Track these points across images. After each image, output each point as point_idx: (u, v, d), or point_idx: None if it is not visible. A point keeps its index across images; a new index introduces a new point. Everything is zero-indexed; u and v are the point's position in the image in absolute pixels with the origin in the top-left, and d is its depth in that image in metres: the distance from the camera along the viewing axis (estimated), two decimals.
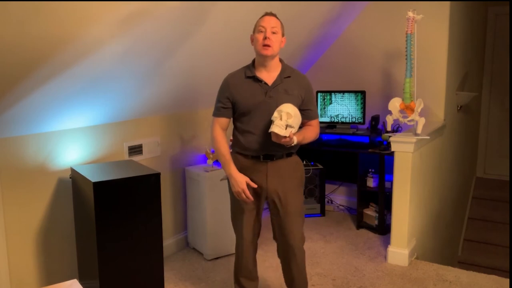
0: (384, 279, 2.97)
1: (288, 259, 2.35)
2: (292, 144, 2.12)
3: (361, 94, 3.93)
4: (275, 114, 2.08)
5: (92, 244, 2.28)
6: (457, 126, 4.47)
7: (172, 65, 2.70)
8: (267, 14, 2.19)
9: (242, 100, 2.20)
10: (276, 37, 2.14)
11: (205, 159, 3.48)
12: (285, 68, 2.24)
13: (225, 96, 2.24)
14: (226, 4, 2.50)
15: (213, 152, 3.38)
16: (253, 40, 2.20)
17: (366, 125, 4.02)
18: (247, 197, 2.19)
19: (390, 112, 3.19)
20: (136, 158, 3.02)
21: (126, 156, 2.98)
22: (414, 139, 3.03)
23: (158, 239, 2.46)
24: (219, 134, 2.26)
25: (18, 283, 2.45)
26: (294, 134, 2.09)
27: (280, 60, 2.25)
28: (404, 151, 3.09)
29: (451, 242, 4.76)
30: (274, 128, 2.03)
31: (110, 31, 2.03)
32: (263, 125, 2.18)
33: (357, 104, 3.97)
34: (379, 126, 3.90)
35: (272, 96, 2.18)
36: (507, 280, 2.93)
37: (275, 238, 2.40)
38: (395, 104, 3.16)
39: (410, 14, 3.10)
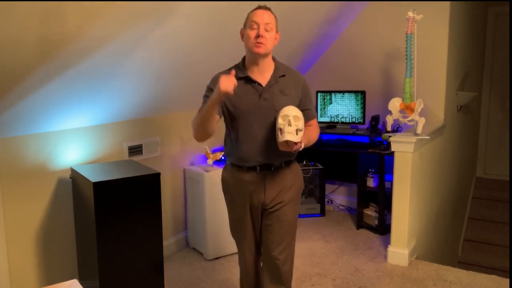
0: (384, 279, 2.97)
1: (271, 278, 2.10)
2: (300, 149, 1.93)
3: (361, 94, 3.93)
4: (280, 120, 1.85)
5: (92, 244, 2.28)
6: (457, 126, 4.47)
7: (172, 65, 2.70)
8: (260, 7, 1.97)
9: (234, 104, 1.97)
10: (270, 35, 1.93)
11: (205, 159, 3.48)
12: (278, 66, 2.03)
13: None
14: (227, 4, 2.50)
15: (213, 152, 3.38)
16: (243, 35, 1.98)
17: (366, 125, 4.02)
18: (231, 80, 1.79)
19: (390, 112, 3.19)
20: (136, 158, 3.02)
21: (126, 156, 2.98)
22: (414, 139, 3.03)
23: (158, 239, 2.46)
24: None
25: (18, 283, 2.45)
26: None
27: (273, 58, 2.04)
28: (404, 151, 3.09)
29: (451, 242, 4.76)
30: (287, 136, 1.80)
31: (110, 31, 2.03)
32: (259, 130, 1.97)
33: (357, 104, 3.97)
34: (379, 126, 3.90)
35: (267, 98, 1.96)
36: (507, 280, 2.93)
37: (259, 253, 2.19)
38: (395, 104, 3.16)
39: (410, 14, 3.10)
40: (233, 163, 2.07)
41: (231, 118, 2.02)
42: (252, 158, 1.99)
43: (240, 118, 1.99)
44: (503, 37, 5.56)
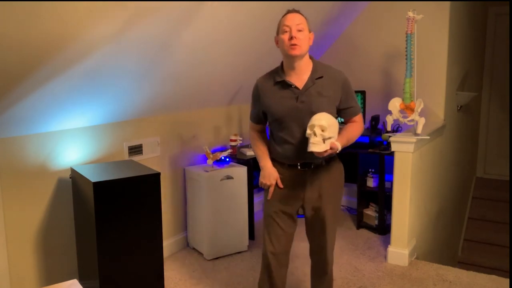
0: (384, 279, 2.97)
1: (319, 280, 2.27)
2: (338, 151, 1.98)
3: (361, 94, 3.93)
4: (308, 130, 1.90)
5: (92, 244, 2.28)
6: (457, 126, 4.47)
7: (172, 65, 2.70)
8: (289, 11, 2.00)
9: (272, 108, 2.05)
10: (303, 35, 1.94)
11: (205, 159, 3.48)
12: (316, 67, 2.04)
13: (256, 103, 2.14)
14: (229, 4, 2.50)
15: (213, 152, 3.38)
16: (278, 42, 2.02)
17: (366, 125, 4.02)
18: (269, 189, 2.10)
19: (390, 112, 3.19)
20: (136, 158, 3.02)
21: (126, 156, 2.98)
22: (414, 139, 3.03)
23: (158, 239, 2.46)
24: (255, 134, 2.22)
25: (18, 283, 2.45)
26: (336, 140, 1.94)
27: (310, 57, 2.07)
28: (404, 151, 3.09)
29: (451, 242, 4.76)
30: (312, 148, 1.87)
31: (110, 31, 2.03)
32: (298, 132, 2.02)
33: None
34: (379, 126, 3.90)
35: (304, 101, 1.99)
36: (507, 280, 2.93)
37: (310, 254, 2.29)
38: (395, 104, 3.16)
39: (410, 14, 3.10)
40: (275, 159, 2.15)
41: (272, 120, 2.10)
42: (291, 156, 2.07)
43: (280, 121, 2.05)
44: (503, 37, 5.56)
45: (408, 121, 3.11)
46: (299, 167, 2.09)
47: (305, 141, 1.97)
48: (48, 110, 2.31)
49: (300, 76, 2.02)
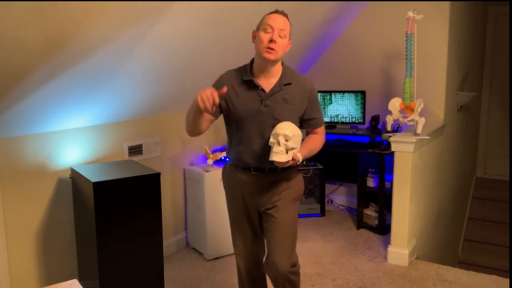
0: (384, 279, 2.97)
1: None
2: (299, 163, 1.91)
3: (361, 94, 3.93)
4: (271, 139, 1.84)
5: (92, 244, 2.28)
6: (457, 126, 4.47)
7: (172, 65, 2.70)
8: (277, 12, 1.90)
9: (235, 106, 1.95)
10: (283, 41, 1.87)
11: (205, 159, 3.48)
12: (285, 73, 1.97)
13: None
14: (228, 4, 2.50)
15: (213, 152, 3.38)
16: (255, 37, 1.92)
17: (366, 125, 4.02)
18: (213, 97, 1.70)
19: (390, 112, 3.19)
20: (136, 158, 3.02)
21: (126, 156, 2.98)
22: (414, 139, 3.03)
23: (158, 239, 2.46)
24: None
25: (18, 283, 2.45)
26: (298, 151, 1.87)
27: (281, 63, 2.00)
28: (404, 151, 3.09)
29: (451, 242, 4.76)
30: (274, 157, 1.81)
31: (110, 31, 2.03)
32: (256, 137, 1.95)
33: (357, 104, 3.97)
34: (379, 126, 3.91)
35: (268, 105, 1.92)
36: (507, 280, 2.93)
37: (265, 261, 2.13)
38: (395, 104, 3.16)
39: (410, 14, 3.10)
40: (231, 162, 2.08)
41: (231, 119, 2.00)
42: (247, 160, 1.99)
43: (239, 121, 1.96)
44: (503, 37, 5.56)
45: (408, 121, 3.11)
46: (252, 171, 2.00)
47: (262, 146, 1.94)
48: (48, 110, 2.31)
49: (268, 79, 1.95)
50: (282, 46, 1.87)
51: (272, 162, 1.85)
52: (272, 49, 1.84)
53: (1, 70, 1.82)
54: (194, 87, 3.14)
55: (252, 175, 2.01)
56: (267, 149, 1.91)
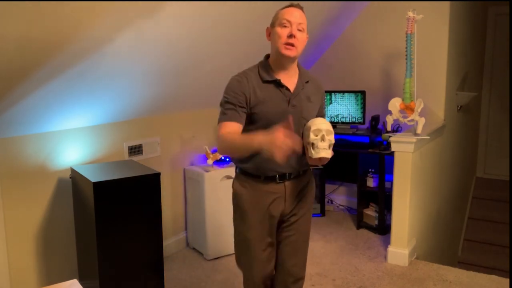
0: (384, 279, 2.97)
1: None
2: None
3: (361, 94, 3.93)
4: (312, 135, 1.73)
5: (92, 244, 2.28)
6: (457, 126, 4.47)
7: (172, 65, 2.70)
8: (292, 5, 1.78)
9: (262, 110, 1.78)
10: (302, 36, 1.76)
11: (205, 159, 3.48)
12: (302, 71, 1.89)
13: (239, 96, 1.77)
14: (229, 4, 2.50)
15: (213, 152, 3.38)
16: (270, 34, 1.80)
17: (366, 125, 4.02)
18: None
19: (390, 112, 3.19)
20: (136, 158, 3.02)
21: (126, 156, 2.98)
22: (414, 139, 3.03)
23: (158, 239, 2.46)
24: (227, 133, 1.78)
25: (18, 283, 2.45)
26: None
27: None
28: (404, 151, 3.09)
29: (451, 242, 4.76)
30: (322, 153, 1.70)
31: (110, 31, 2.03)
32: None
33: (357, 104, 3.97)
34: (379, 126, 3.91)
35: (295, 105, 1.82)
36: (507, 280, 2.93)
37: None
38: (395, 104, 3.16)
39: (410, 14, 3.10)
40: (248, 171, 1.87)
41: (254, 123, 1.81)
42: (273, 167, 1.82)
43: (265, 125, 1.74)
44: (503, 37, 5.56)
45: (408, 121, 3.11)
46: (277, 180, 1.86)
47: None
48: (48, 110, 2.31)
49: (290, 78, 1.84)
50: (301, 40, 1.77)
51: (300, 165, 1.80)
52: (291, 44, 1.74)
53: (1, 70, 1.82)
54: (194, 87, 3.15)
55: (279, 183, 1.87)
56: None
